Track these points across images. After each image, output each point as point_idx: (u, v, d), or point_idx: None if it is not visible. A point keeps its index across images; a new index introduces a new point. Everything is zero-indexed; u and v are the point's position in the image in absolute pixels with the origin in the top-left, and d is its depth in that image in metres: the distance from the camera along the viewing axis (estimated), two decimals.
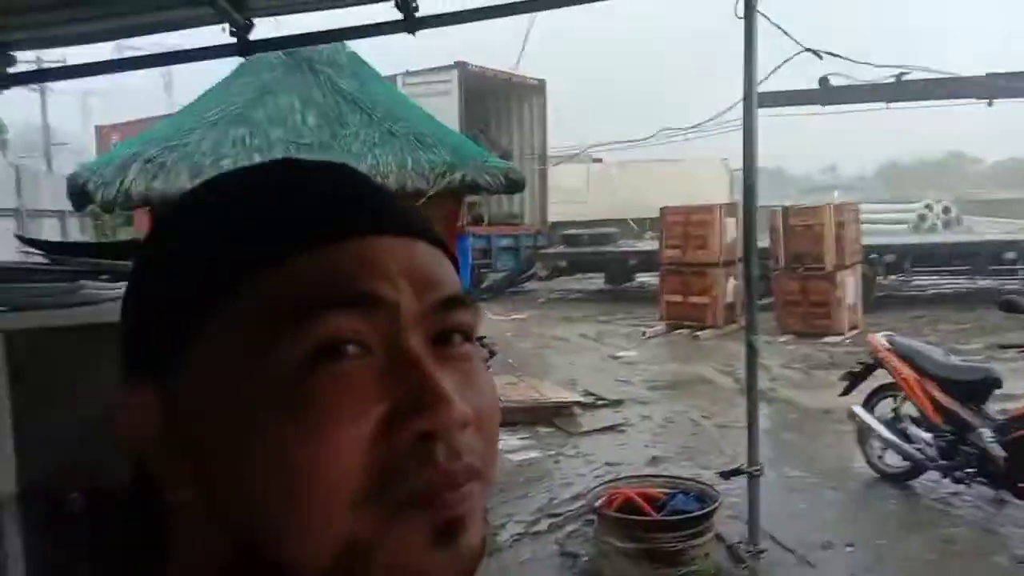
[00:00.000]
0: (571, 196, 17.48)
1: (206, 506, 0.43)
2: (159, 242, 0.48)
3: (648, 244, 15.07)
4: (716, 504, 4.08)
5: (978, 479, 4.67)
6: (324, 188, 0.46)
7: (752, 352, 4.16)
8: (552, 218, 16.27)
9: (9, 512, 1.35)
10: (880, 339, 5.39)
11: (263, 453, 0.40)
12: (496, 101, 15.62)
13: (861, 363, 5.59)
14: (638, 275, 15.65)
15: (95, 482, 1.38)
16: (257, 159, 5.46)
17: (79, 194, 4.93)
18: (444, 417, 0.40)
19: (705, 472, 4.88)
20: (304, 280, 0.42)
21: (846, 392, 5.50)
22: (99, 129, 21.83)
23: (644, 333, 11.36)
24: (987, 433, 4.57)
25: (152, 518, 0.48)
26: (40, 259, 1.61)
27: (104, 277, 1.49)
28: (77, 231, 15.78)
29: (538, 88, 15.83)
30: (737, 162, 4.49)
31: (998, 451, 4.48)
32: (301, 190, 0.46)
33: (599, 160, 21.37)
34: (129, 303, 0.48)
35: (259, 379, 0.40)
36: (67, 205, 5.98)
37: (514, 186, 5.79)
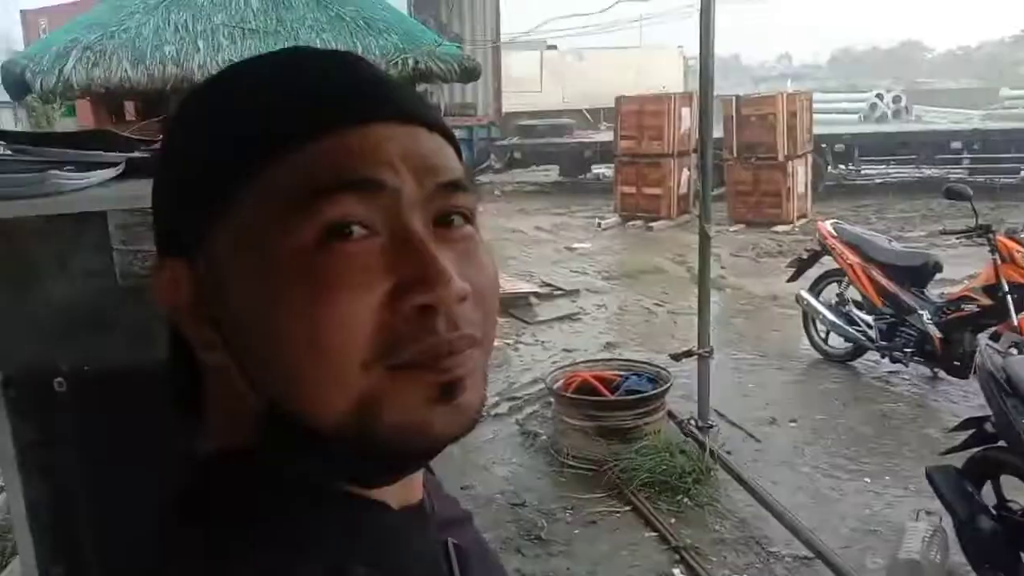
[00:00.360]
0: (525, 85, 17.15)
1: (237, 367, 0.48)
2: (184, 134, 0.51)
3: (603, 135, 14.98)
4: (668, 384, 4.28)
5: (916, 358, 4.94)
6: (332, 77, 0.49)
7: (705, 241, 4.27)
8: (506, 109, 16.00)
9: None
10: (827, 227, 5.56)
11: (284, 320, 0.45)
12: None
13: (808, 250, 5.79)
14: (594, 167, 15.61)
15: (76, 366, 1.42)
16: (201, 46, 5.26)
17: (16, 83, 4.72)
18: (443, 292, 0.45)
19: (658, 356, 5.07)
20: (313, 166, 0.45)
21: (793, 278, 5.71)
22: (24, 14, 20.54)
23: (599, 224, 11.46)
24: (926, 315, 4.81)
25: (186, 380, 0.54)
26: (3, 150, 1.58)
27: (69, 167, 1.47)
28: (10, 121, 15.10)
29: None
30: (693, 50, 4.45)
31: (935, 332, 4.73)
32: (311, 79, 0.49)
33: (553, 47, 20.90)
34: (158, 188, 0.52)
35: (277, 255, 0.45)
36: None
37: (468, 74, 5.67)
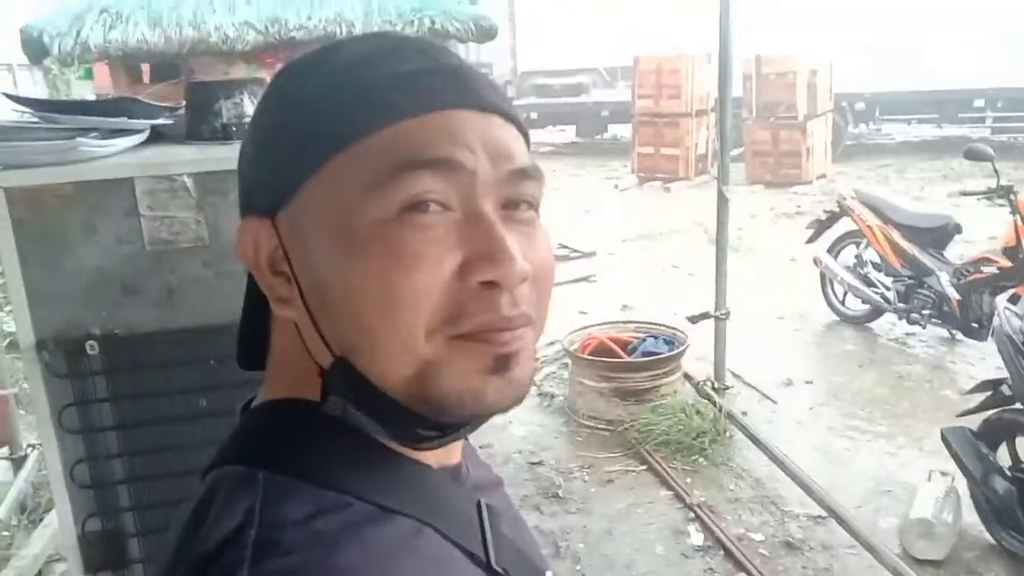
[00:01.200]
0: (541, 42, 16.92)
1: (312, 321, 0.51)
2: (279, 105, 0.55)
3: (620, 94, 14.80)
4: (684, 347, 4.30)
5: (933, 320, 4.93)
6: (422, 64, 0.53)
7: (723, 202, 4.25)
8: (521, 67, 15.83)
9: (30, 359, 1.43)
10: (847, 188, 5.51)
11: (362, 282, 0.48)
12: None
13: (827, 211, 5.74)
14: (610, 127, 15.46)
15: (108, 329, 1.46)
16: (217, 7, 5.23)
17: (35, 47, 4.72)
18: (508, 270, 0.48)
19: (675, 318, 5.09)
20: (399, 143, 0.49)
21: (812, 239, 5.68)
22: None
23: (616, 186, 11.40)
24: (944, 277, 4.79)
25: (255, 334, 0.59)
26: (32, 117, 1.60)
27: (94, 135, 1.50)
28: (29, 85, 15.11)
29: None
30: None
31: (953, 294, 4.72)
32: (406, 64, 0.52)
33: None
34: (249, 153, 0.56)
35: (360, 223, 0.49)
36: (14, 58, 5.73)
37: (485, 34, 5.60)
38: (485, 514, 0.57)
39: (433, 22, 5.27)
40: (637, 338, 4.50)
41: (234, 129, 1.59)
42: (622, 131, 14.41)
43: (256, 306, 0.57)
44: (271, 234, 0.53)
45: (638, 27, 13.77)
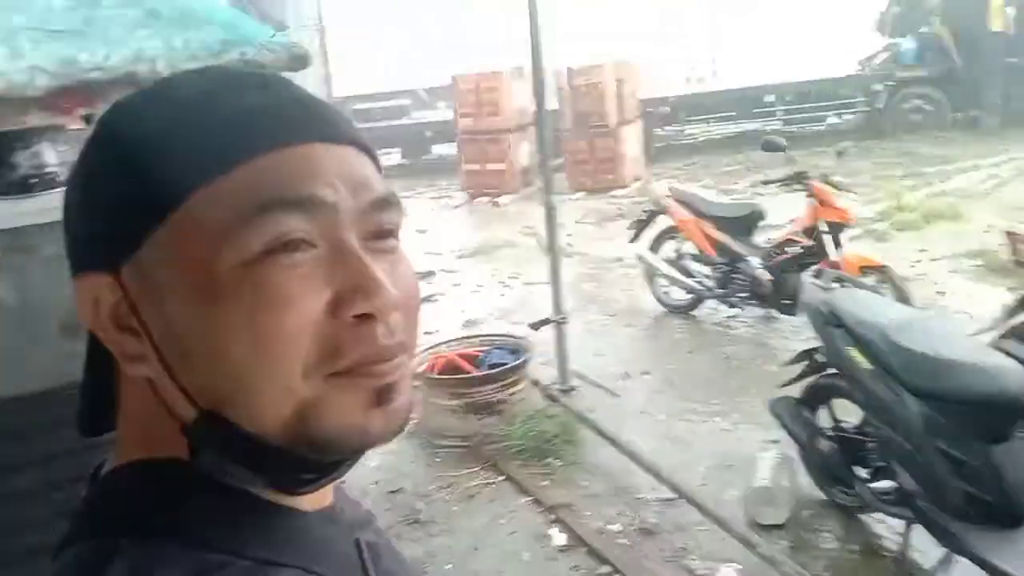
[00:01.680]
0: (356, 66, 16.78)
1: (170, 377, 0.49)
2: (112, 149, 0.51)
3: (442, 114, 14.93)
4: (528, 354, 4.39)
5: (750, 302, 5.32)
6: (265, 98, 0.51)
7: (550, 211, 4.40)
8: (338, 92, 15.62)
9: None
10: (662, 188, 5.86)
11: (228, 330, 0.46)
12: None
13: (646, 211, 6.06)
14: (434, 147, 15.56)
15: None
16: (1, 52, 4.83)
17: None
18: (380, 301, 0.48)
19: (517, 327, 5.19)
20: (256, 184, 0.47)
21: (634, 239, 5.98)
22: None
23: (449, 204, 11.49)
24: (755, 261, 5.18)
25: (104, 391, 0.54)
26: None
27: None
28: None
29: None
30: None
31: (764, 275, 5.11)
32: (251, 101, 0.50)
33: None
34: (78, 206, 0.52)
35: (222, 268, 0.46)
36: None
37: (298, 62, 5.50)
38: (366, 553, 0.56)
39: (244, 54, 5.10)
40: (483, 351, 4.55)
41: (34, 181, 1.46)
42: (447, 150, 14.54)
43: (98, 366, 0.54)
44: (114, 289, 0.49)
45: (454, 46, 14.01)
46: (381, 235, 0.52)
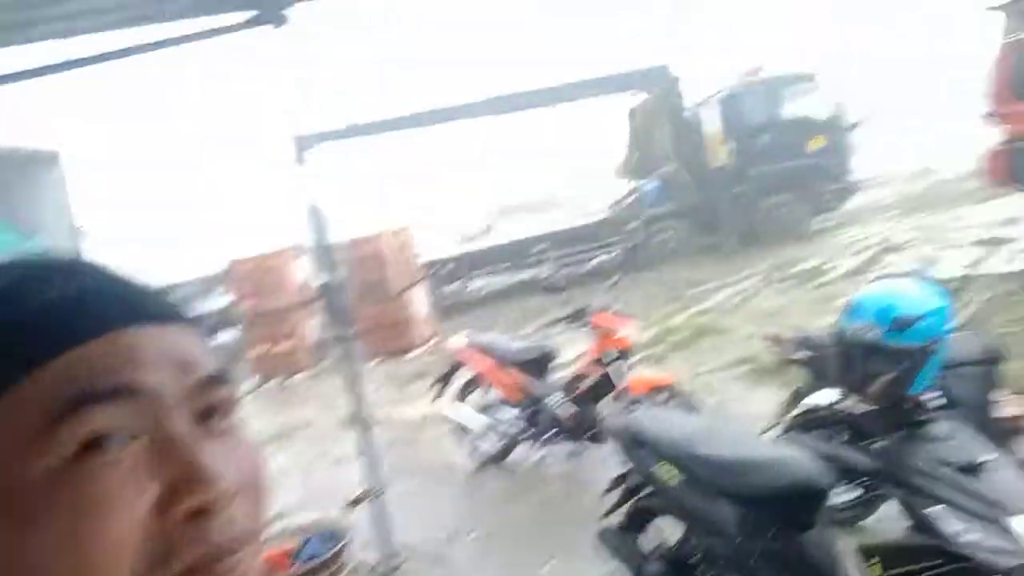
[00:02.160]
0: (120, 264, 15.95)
1: None
2: None
3: (221, 301, 14.45)
4: (347, 537, 4.16)
5: (558, 439, 5.44)
6: (74, 286, 0.46)
7: (354, 383, 4.31)
8: None
9: None
10: (458, 341, 5.97)
11: (43, 547, 0.40)
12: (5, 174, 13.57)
13: (447, 367, 6.13)
14: (220, 334, 14.92)
15: None
16: None
17: None
18: (213, 494, 0.43)
19: (332, 509, 4.92)
20: (66, 379, 0.42)
21: (438, 396, 5.99)
22: None
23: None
24: (555, 398, 5.35)
25: None
26: None
27: None
28: None
29: (50, 158, 14.07)
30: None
31: (566, 411, 5.27)
32: (51, 291, 0.45)
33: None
34: None
35: (30, 477, 0.41)
36: None
37: None
38: None
39: None
40: (301, 542, 4.24)
41: None
42: (227, 336, 13.98)
43: None
44: None
45: (225, 231, 13.78)
46: (213, 416, 0.48)
